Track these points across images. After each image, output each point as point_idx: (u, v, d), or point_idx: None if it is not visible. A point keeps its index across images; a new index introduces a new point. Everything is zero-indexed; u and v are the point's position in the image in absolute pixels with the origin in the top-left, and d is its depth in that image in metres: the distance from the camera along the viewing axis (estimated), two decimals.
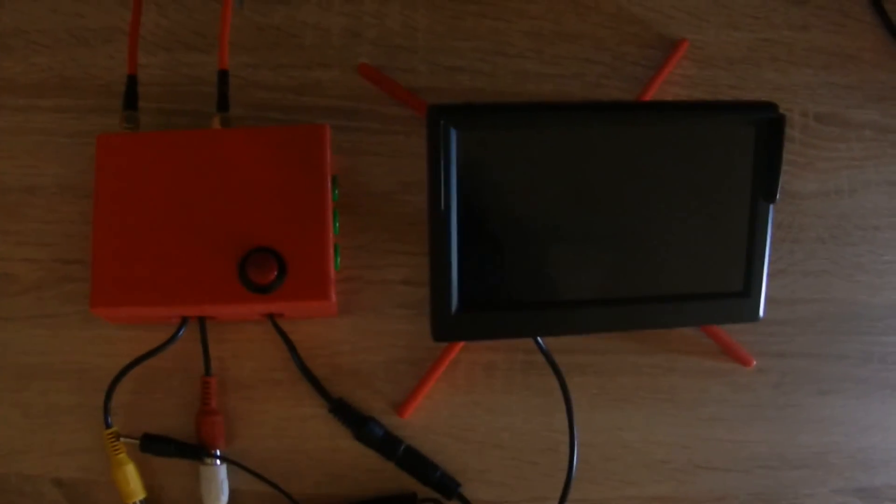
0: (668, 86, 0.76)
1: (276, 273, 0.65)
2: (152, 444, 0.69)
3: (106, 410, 0.69)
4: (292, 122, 0.74)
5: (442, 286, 0.62)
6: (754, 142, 0.64)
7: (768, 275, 0.66)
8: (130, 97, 0.71)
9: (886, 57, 0.80)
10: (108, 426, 0.69)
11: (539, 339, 0.66)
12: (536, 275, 0.64)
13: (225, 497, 0.69)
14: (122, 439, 0.69)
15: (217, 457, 0.69)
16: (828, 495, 0.73)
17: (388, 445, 0.69)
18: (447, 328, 0.63)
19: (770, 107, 0.64)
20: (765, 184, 0.64)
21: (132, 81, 0.71)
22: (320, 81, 0.75)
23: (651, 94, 0.75)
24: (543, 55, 0.77)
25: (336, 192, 0.69)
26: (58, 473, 0.70)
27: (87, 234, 0.69)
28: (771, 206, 0.64)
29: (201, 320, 0.69)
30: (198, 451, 0.69)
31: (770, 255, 0.65)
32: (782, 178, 0.72)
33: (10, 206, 0.73)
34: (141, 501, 0.68)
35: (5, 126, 0.74)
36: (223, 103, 0.70)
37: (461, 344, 0.71)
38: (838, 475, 0.73)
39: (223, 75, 0.70)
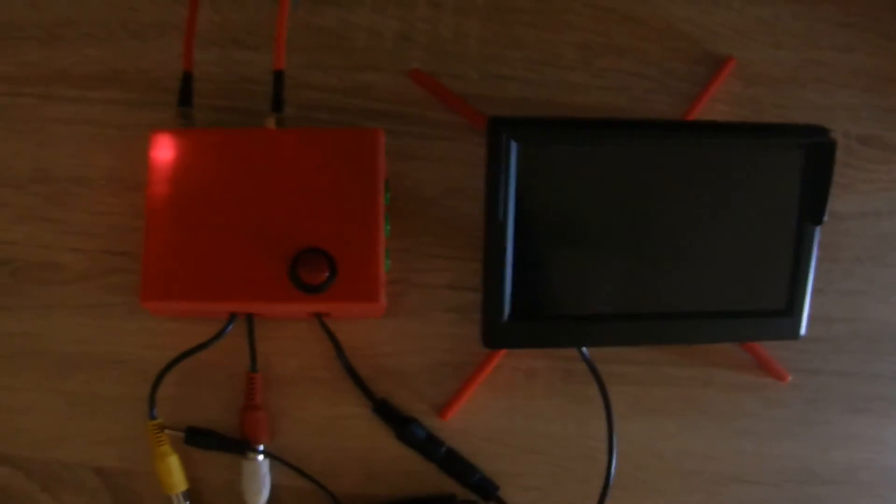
0: (714, 103, 0.77)
1: (327, 274, 0.66)
2: (196, 437, 0.70)
3: (151, 402, 0.69)
4: (342, 123, 0.75)
5: (495, 294, 0.63)
6: (803, 164, 0.65)
7: (811, 294, 0.67)
8: (186, 94, 0.71)
9: None
10: (152, 417, 0.69)
11: (584, 349, 0.67)
12: (586, 286, 0.65)
13: (266, 492, 0.70)
14: (166, 431, 0.69)
15: (260, 452, 0.69)
16: None
17: (430, 447, 0.70)
18: (498, 335, 0.64)
19: (821, 131, 0.65)
20: (812, 206, 0.65)
21: (188, 78, 0.71)
22: (371, 84, 0.76)
23: (697, 111, 0.76)
24: (591, 67, 0.78)
25: (388, 195, 0.69)
26: (99, 462, 0.71)
27: (135, 226, 0.70)
28: (817, 228, 0.66)
29: (249, 317, 0.70)
30: (241, 446, 0.70)
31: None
32: None
33: (59, 195, 0.74)
34: (183, 493, 0.69)
35: (57, 116, 0.75)
36: (278, 104, 0.71)
37: (505, 349, 0.72)
38: (867, 492, 0.74)
39: (279, 76, 0.71)
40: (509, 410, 0.73)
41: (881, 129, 0.79)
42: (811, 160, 0.65)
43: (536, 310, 0.64)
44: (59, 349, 0.72)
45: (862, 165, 0.78)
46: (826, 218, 0.65)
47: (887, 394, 0.75)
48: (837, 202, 0.77)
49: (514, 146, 0.61)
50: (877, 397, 0.75)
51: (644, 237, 0.65)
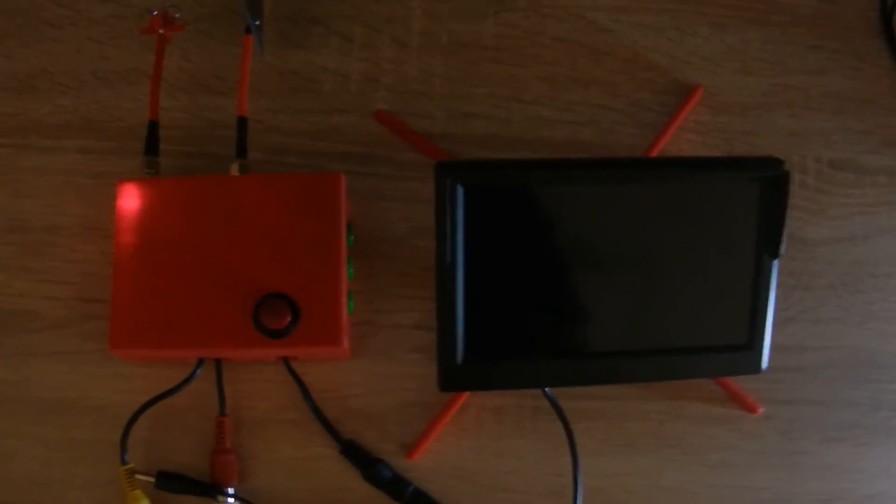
0: (682, 132, 0.77)
1: (289, 319, 0.66)
2: (167, 482, 0.71)
3: (123, 448, 0.70)
4: (309, 166, 0.76)
5: (448, 337, 0.63)
6: (759, 197, 0.64)
7: (773, 327, 0.66)
8: (152, 143, 0.72)
9: None
10: (124, 463, 0.70)
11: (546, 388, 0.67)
12: (542, 327, 0.65)
13: None
14: (137, 476, 0.70)
15: (230, 495, 0.70)
16: None
17: (396, 487, 0.71)
18: (453, 378, 0.64)
19: (775, 163, 0.64)
20: (769, 239, 0.65)
21: (153, 127, 0.73)
22: (338, 126, 0.77)
23: (665, 142, 0.76)
24: (558, 101, 0.78)
25: (351, 238, 0.70)
26: None
27: (108, 273, 0.70)
28: (775, 262, 0.65)
29: (217, 362, 0.71)
30: (212, 490, 0.70)
31: (775, 307, 0.66)
32: (795, 225, 0.74)
33: (34, 244, 0.75)
34: None
35: (31, 166, 0.76)
36: (242, 150, 0.72)
37: None
38: None
39: (242, 122, 0.72)
40: (478, 449, 0.73)
41: (854, 152, 0.78)
42: (767, 193, 0.64)
43: (493, 351, 0.64)
44: (35, 396, 0.73)
45: (834, 190, 0.78)
46: (783, 251, 0.65)
47: (863, 422, 0.74)
48: (810, 228, 0.77)
49: (460, 190, 0.61)
50: (853, 426, 0.74)
51: (600, 275, 0.64)
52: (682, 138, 0.77)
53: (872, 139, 0.79)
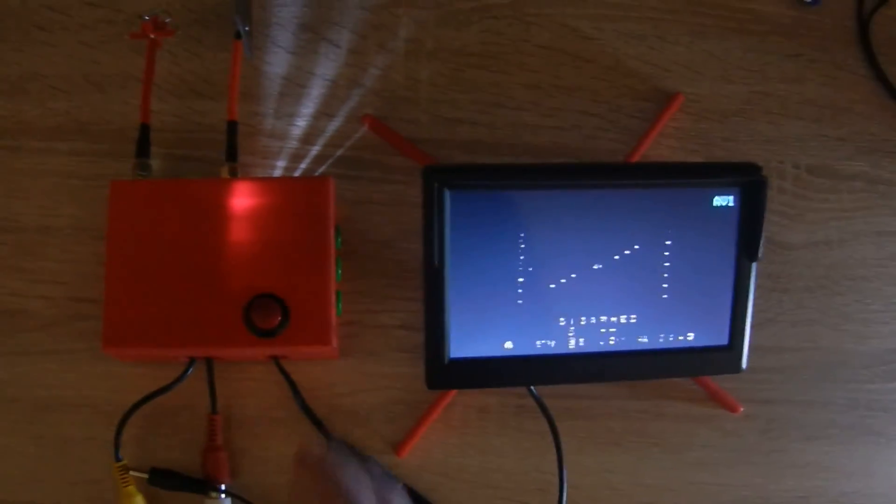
0: (662, 138, 0.79)
1: (279, 319, 0.68)
2: (160, 478, 0.72)
3: (116, 445, 0.72)
4: (297, 169, 0.77)
5: (436, 337, 0.65)
6: (738, 202, 0.66)
7: (752, 329, 0.68)
8: (143, 145, 0.74)
9: (878, 109, 0.82)
10: (118, 459, 0.71)
11: (531, 387, 0.69)
12: (526, 326, 0.66)
13: None
14: (130, 472, 0.72)
15: (222, 491, 0.71)
16: None
17: None
18: (441, 377, 0.66)
19: (754, 169, 0.66)
20: (748, 243, 0.66)
21: (145, 130, 0.74)
22: (325, 130, 0.78)
23: (645, 148, 0.77)
24: (541, 107, 0.79)
25: (339, 240, 0.71)
26: (69, 503, 0.73)
27: (100, 273, 0.71)
28: (754, 264, 0.67)
29: (208, 361, 0.72)
30: (203, 486, 0.72)
31: (754, 309, 0.68)
32: (773, 229, 0.75)
33: (28, 245, 0.76)
34: None
35: (23, 168, 0.77)
36: (231, 153, 0.73)
37: None
38: None
39: (232, 126, 0.73)
40: (463, 446, 0.74)
41: (832, 158, 0.80)
42: (746, 197, 0.66)
43: (479, 350, 0.66)
44: (29, 394, 0.74)
45: (811, 195, 0.80)
46: (761, 254, 0.66)
47: (839, 421, 0.76)
48: (788, 233, 0.79)
49: (447, 194, 0.63)
50: (829, 425, 0.76)
51: (584, 276, 0.66)
52: (663, 144, 0.79)
53: (848, 146, 0.81)
